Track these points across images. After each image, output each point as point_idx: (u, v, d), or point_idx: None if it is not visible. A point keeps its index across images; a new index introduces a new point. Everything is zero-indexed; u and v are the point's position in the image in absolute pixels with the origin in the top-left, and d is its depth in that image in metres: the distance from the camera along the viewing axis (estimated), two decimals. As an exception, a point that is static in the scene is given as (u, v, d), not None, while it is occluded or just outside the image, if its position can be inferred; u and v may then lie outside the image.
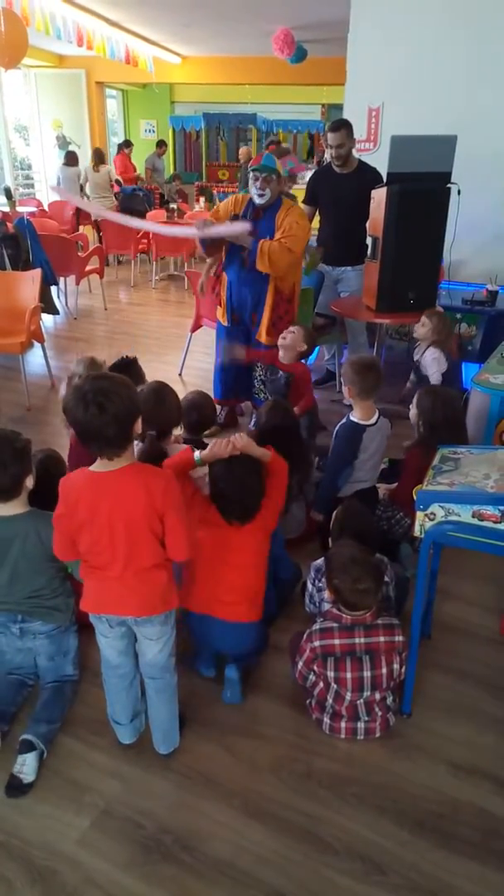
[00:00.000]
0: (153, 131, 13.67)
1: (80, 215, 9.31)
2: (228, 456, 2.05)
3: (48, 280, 5.38)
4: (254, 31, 8.67)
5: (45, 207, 9.61)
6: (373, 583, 1.90)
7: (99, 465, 1.66)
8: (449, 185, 3.74)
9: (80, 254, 6.85)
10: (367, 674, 1.93)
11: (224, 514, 2.09)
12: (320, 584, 2.24)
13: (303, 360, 3.59)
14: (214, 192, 11.40)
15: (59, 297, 6.60)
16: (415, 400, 2.77)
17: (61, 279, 6.60)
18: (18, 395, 4.58)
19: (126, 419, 1.57)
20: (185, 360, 5.17)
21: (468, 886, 1.63)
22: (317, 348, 4.53)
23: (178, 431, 2.73)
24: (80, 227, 9.22)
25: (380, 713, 2.00)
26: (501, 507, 1.74)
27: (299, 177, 3.97)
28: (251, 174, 3.45)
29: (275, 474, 2.17)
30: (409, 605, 2.32)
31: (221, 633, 2.14)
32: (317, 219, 4.54)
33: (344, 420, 2.75)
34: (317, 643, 1.95)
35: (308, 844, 1.72)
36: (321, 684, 2.00)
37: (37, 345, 4.80)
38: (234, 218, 3.53)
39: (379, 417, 2.71)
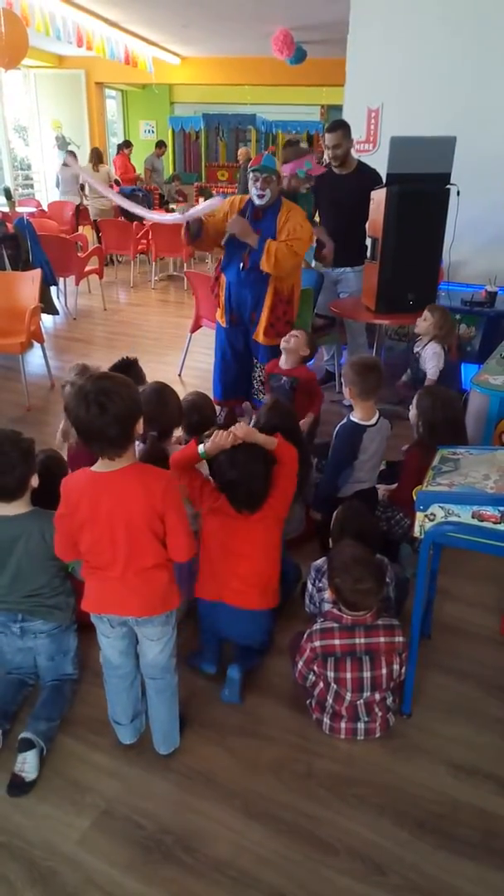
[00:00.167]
0: (153, 132, 13.68)
1: (80, 215, 9.32)
2: (231, 446, 2.06)
3: (48, 280, 5.39)
4: (253, 32, 8.68)
5: (45, 208, 9.62)
6: (374, 583, 1.91)
7: (100, 466, 1.66)
8: (448, 187, 3.75)
9: (79, 254, 6.85)
10: (367, 674, 1.94)
11: (233, 503, 2.10)
12: (320, 585, 2.24)
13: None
14: (214, 192, 11.40)
15: (58, 297, 6.60)
16: (414, 400, 2.77)
17: (61, 279, 6.60)
18: (18, 395, 4.58)
19: (127, 419, 1.58)
20: (185, 361, 5.18)
21: (468, 887, 1.63)
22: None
23: (177, 433, 2.73)
24: (80, 228, 9.22)
25: (380, 713, 2.00)
26: (501, 508, 1.74)
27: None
28: (251, 174, 3.43)
29: (282, 461, 2.17)
30: (408, 606, 2.33)
31: (232, 621, 2.16)
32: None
33: (344, 420, 2.75)
34: (317, 643, 1.96)
35: (308, 845, 1.73)
36: (321, 684, 2.00)
37: (36, 345, 4.80)
38: (243, 214, 3.52)
39: (379, 418, 2.71)
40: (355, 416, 2.70)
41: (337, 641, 1.94)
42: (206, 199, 10.45)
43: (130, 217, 8.75)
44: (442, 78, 4.77)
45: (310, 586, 2.32)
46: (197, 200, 10.71)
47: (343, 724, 2.00)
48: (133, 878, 1.64)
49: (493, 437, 3.08)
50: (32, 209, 9.12)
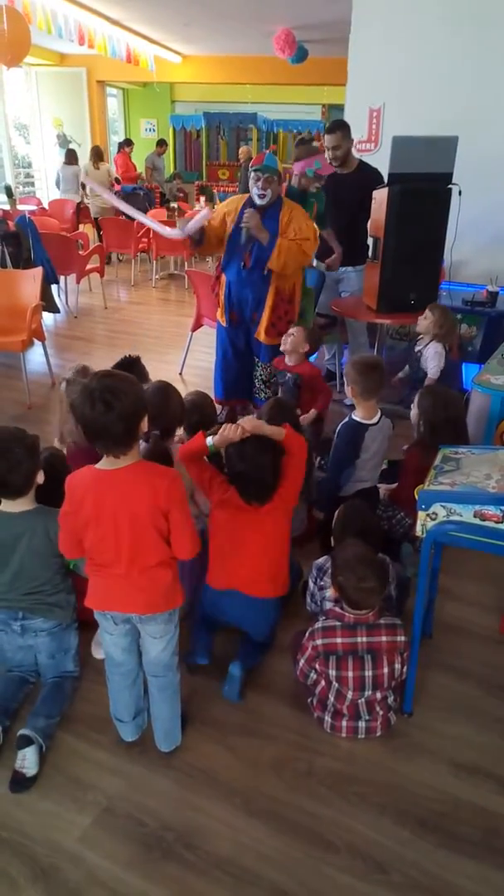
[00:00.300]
0: (153, 130, 13.68)
1: (81, 214, 9.32)
2: (240, 439, 2.06)
3: (49, 278, 5.38)
4: (254, 31, 8.67)
5: (46, 206, 9.62)
6: (377, 582, 1.91)
7: (104, 464, 1.67)
8: (450, 186, 3.75)
9: (80, 252, 6.85)
10: (368, 673, 1.94)
11: (243, 494, 2.10)
12: (322, 583, 2.25)
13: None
14: (215, 191, 11.40)
15: (59, 295, 6.60)
16: (416, 399, 2.78)
17: (62, 278, 6.60)
18: (19, 393, 4.58)
19: (132, 417, 1.58)
20: (186, 360, 5.18)
21: (469, 885, 1.64)
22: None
23: (178, 432, 2.73)
24: (81, 226, 9.22)
25: (381, 712, 2.01)
26: (503, 507, 1.75)
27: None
28: (252, 174, 3.41)
29: (291, 451, 2.17)
30: (409, 605, 2.33)
31: (243, 609, 2.19)
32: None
33: (346, 419, 2.75)
34: (319, 641, 1.96)
35: (309, 843, 1.73)
36: (323, 683, 2.00)
37: (37, 343, 4.80)
38: (241, 216, 3.51)
39: (381, 417, 2.71)
40: (357, 415, 2.70)
41: (339, 640, 1.95)
42: (206, 198, 10.42)
43: (131, 216, 8.75)
44: (443, 77, 4.78)
45: (311, 585, 2.32)
46: (198, 199, 10.72)
47: (344, 723, 2.00)
48: (134, 874, 1.65)
49: (495, 436, 3.08)
50: (33, 207, 9.12)
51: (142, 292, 8.23)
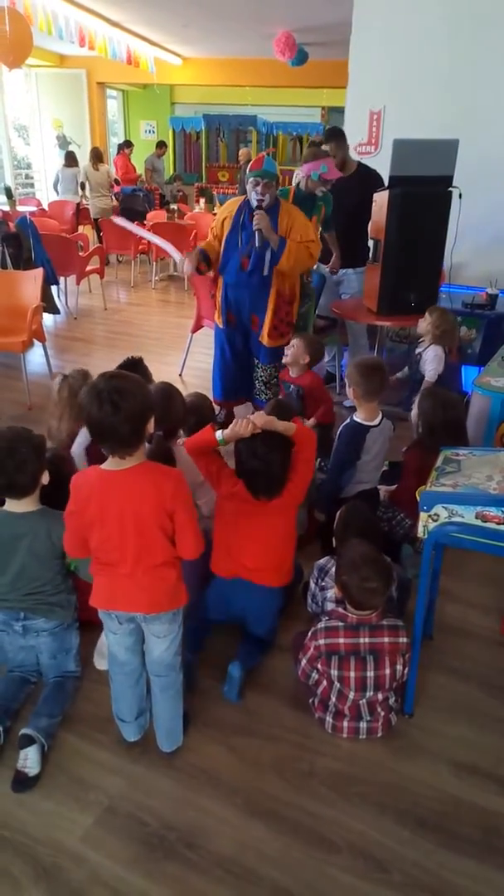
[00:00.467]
0: (153, 132, 13.69)
1: (80, 215, 9.32)
2: (250, 434, 2.06)
3: (49, 279, 5.39)
4: (254, 34, 8.70)
5: (45, 207, 9.62)
6: (381, 583, 1.92)
7: (110, 464, 1.67)
8: (450, 189, 3.76)
9: (80, 254, 6.86)
10: (370, 674, 1.95)
11: (251, 489, 2.11)
12: (323, 584, 2.25)
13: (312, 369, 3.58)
14: (214, 193, 11.42)
15: (59, 296, 6.60)
16: (416, 401, 2.79)
17: (61, 279, 6.60)
18: (19, 393, 4.58)
19: (140, 419, 1.59)
20: (186, 361, 5.19)
21: (469, 884, 1.65)
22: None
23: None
24: (80, 227, 9.23)
25: (382, 713, 2.01)
26: (504, 509, 1.76)
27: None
28: (251, 179, 3.39)
29: (301, 446, 2.16)
30: (410, 606, 2.34)
31: (248, 597, 2.21)
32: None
33: (347, 420, 2.76)
34: (321, 641, 1.97)
35: (310, 842, 1.74)
36: (325, 683, 2.01)
37: (37, 344, 4.80)
38: (237, 217, 3.52)
39: (382, 419, 2.72)
40: (358, 417, 2.71)
41: (342, 640, 1.95)
42: (206, 200, 10.40)
43: (131, 216, 8.76)
44: (444, 80, 4.79)
45: (312, 585, 2.33)
46: (197, 201, 10.75)
47: (346, 723, 2.01)
48: (137, 874, 1.65)
49: (495, 438, 3.09)
50: (33, 208, 9.13)
51: (141, 294, 8.23)
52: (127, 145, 11.02)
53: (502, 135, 4.71)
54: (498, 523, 1.77)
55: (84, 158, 9.50)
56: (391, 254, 3.82)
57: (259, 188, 3.35)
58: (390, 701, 2.03)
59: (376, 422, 2.70)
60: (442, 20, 4.73)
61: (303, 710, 2.11)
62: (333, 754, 1.98)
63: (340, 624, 1.97)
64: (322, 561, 2.32)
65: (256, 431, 2.07)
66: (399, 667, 1.98)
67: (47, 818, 1.78)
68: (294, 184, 3.99)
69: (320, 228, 4.07)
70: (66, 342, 6.05)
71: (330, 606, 2.12)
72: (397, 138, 3.73)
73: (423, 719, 2.11)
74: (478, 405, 3.25)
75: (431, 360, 3.57)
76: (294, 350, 3.40)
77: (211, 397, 3.39)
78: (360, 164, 4.38)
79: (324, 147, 4.19)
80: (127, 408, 1.54)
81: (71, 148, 10.19)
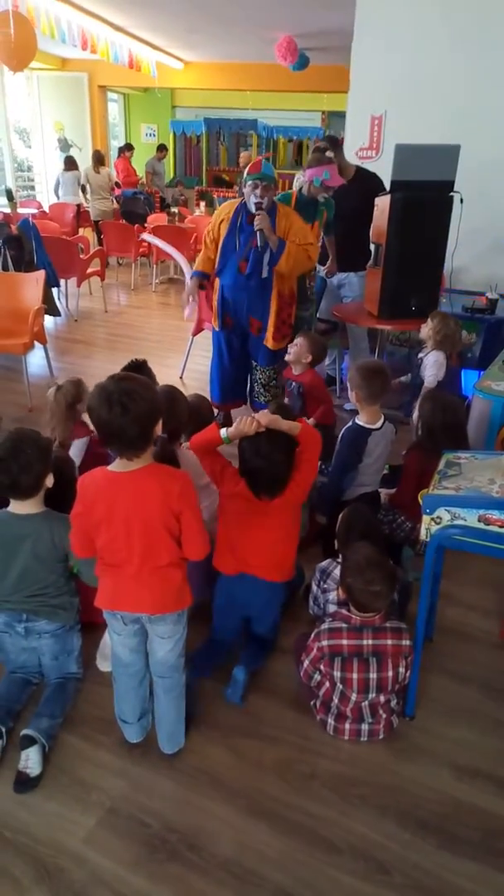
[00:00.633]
0: (154, 135, 13.71)
1: (81, 217, 9.34)
2: (255, 433, 2.06)
3: (50, 282, 5.39)
4: (256, 38, 8.73)
5: (46, 209, 9.64)
6: (385, 586, 1.92)
7: (117, 465, 1.68)
8: (451, 194, 3.78)
9: (81, 256, 6.87)
10: (372, 675, 1.95)
11: (253, 489, 2.10)
12: (325, 586, 2.26)
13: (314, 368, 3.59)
14: (215, 196, 11.44)
15: (59, 298, 6.61)
16: (417, 404, 2.80)
17: (62, 281, 6.61)
18: (20, 395, 4.59)
19: (148, 420, 1.59)
20: (187, 363, 5.20)
21: (470, 886, 1.65)
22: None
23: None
24: (81, 230, 9.25)
25: (384, 715, 2.02)
26: (507, 512, 1.77)
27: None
28: (250, 182, 3.38)
29: (305, 446, 2.15)
30: (411, 609, 2.35)
31: (252, 592, 2.22)
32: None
33: (350, 424, 2.77)
34: (325, 642, 1.97)
35: (312, 844, 1.74)
36: (327, 684, 2.02)
37: (38, 346, 4.81)
38: (234, 220, 3.54)
39: (384, 422, 2.73)
40: (361, 420, 2.72)
41: (345, 641, 1.96)
42: (206, 203, 10.42)
43: (132, 219, 8.79)
44: (445, 85, 4.81)
45: (314, 588, 2.34)
46: (198, 204, 10.77)
47: (347, 725, 2.02)
48: (139, 875, 1.65)
49: (496, 442, 3.10)
50: (34, 210, 9.14)
51: (142, 296, 8.25)
52: (128, 148, 11.04)
53: (503, 140, 4.73)
54: (500, 526, 1.78)
55: (85, 161, 9.54)
56: (392, 258, 3.84)
57: (258, 191, 3.35)
58: (392, 703, 2.04)
59: (378, 425, 2.71)
60: (443, 26, 4.75)
61: (304, 712, 2.12)
62: (335, 756, 1.99)
63: (344, 625, 1.98)
64: (324, 563, 2.33)
65: (261, 430, 2.06)
66: (402, 669, 1.98)
67: (49, 819, 1.78)
68: (296, 188, 4.00)
69: (322, 233, 4.08)
70: (66, 344, 6.06)
71: (332, 609, 2.13)
72: (399, 143, 3.74)
73: (425, 721, 2.12)
74: (479, 409, 3.26)
75: (431, 366, 3.58)
76: (297, 348, 3.41)
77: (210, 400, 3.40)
78: (358, 168, 4.40)
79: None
80: (136, 409, 1.55)
81: (72, 151, 10.23)
